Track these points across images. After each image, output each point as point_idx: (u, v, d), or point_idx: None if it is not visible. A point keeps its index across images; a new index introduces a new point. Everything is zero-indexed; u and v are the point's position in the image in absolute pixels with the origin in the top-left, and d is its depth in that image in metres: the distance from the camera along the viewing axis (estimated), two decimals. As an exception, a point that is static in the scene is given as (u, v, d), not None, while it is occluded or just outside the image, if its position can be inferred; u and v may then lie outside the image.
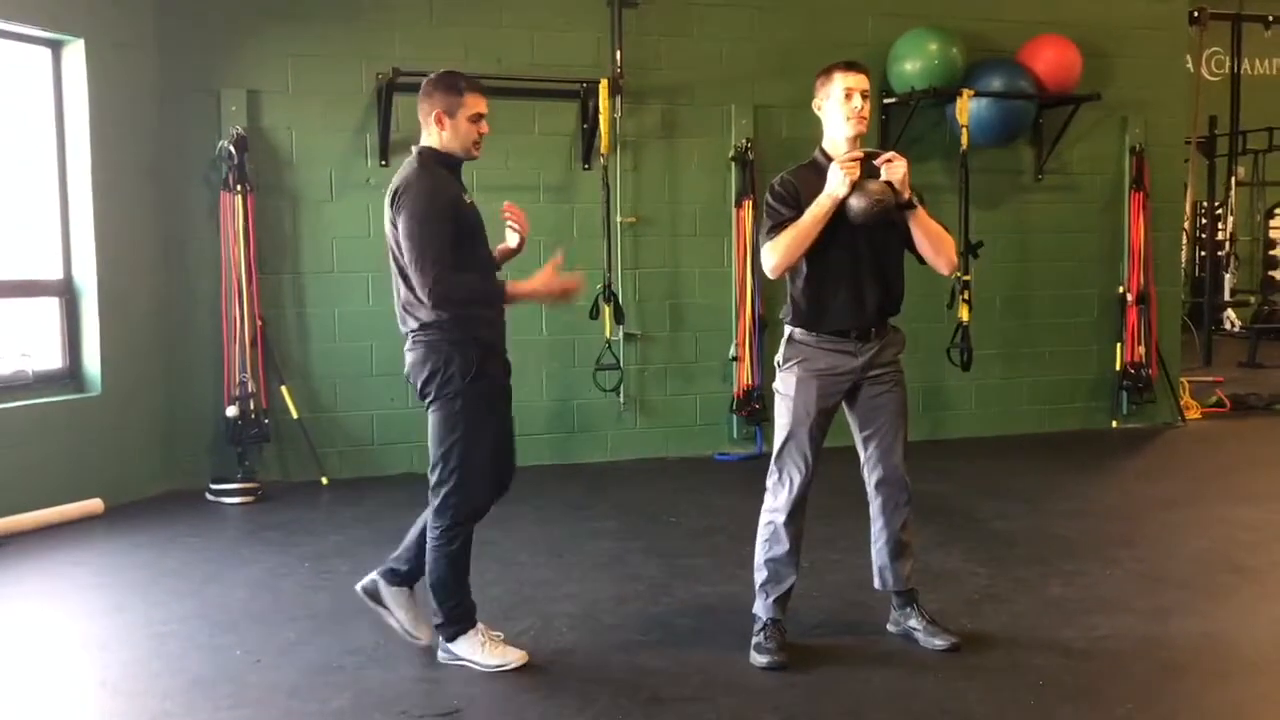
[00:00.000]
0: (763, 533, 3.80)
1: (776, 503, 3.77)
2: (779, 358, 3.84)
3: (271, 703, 3.49)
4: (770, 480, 3.80)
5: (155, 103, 6.32)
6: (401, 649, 3.87)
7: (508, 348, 3.80)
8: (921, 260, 3.80)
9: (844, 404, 3.83)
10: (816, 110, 3.79)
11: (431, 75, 3.70)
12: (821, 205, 3.62)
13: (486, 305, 3.67)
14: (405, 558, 3.85)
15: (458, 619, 3.72)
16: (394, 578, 3.86)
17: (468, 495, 3.65)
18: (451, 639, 3.72)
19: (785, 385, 3.79)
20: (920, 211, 3.71)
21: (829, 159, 3.72)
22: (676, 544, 5.25)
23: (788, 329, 3.82)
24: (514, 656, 3.70)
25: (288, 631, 4.10)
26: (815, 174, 3.71)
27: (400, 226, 3.55)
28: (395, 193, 3.60)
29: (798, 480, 3.74)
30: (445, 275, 3.49)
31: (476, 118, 3.63)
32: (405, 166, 3.66)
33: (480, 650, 3.69)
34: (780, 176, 3.79)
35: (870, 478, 3.84)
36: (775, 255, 3.67)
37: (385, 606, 3.85)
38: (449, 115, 3.61)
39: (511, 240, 3.88)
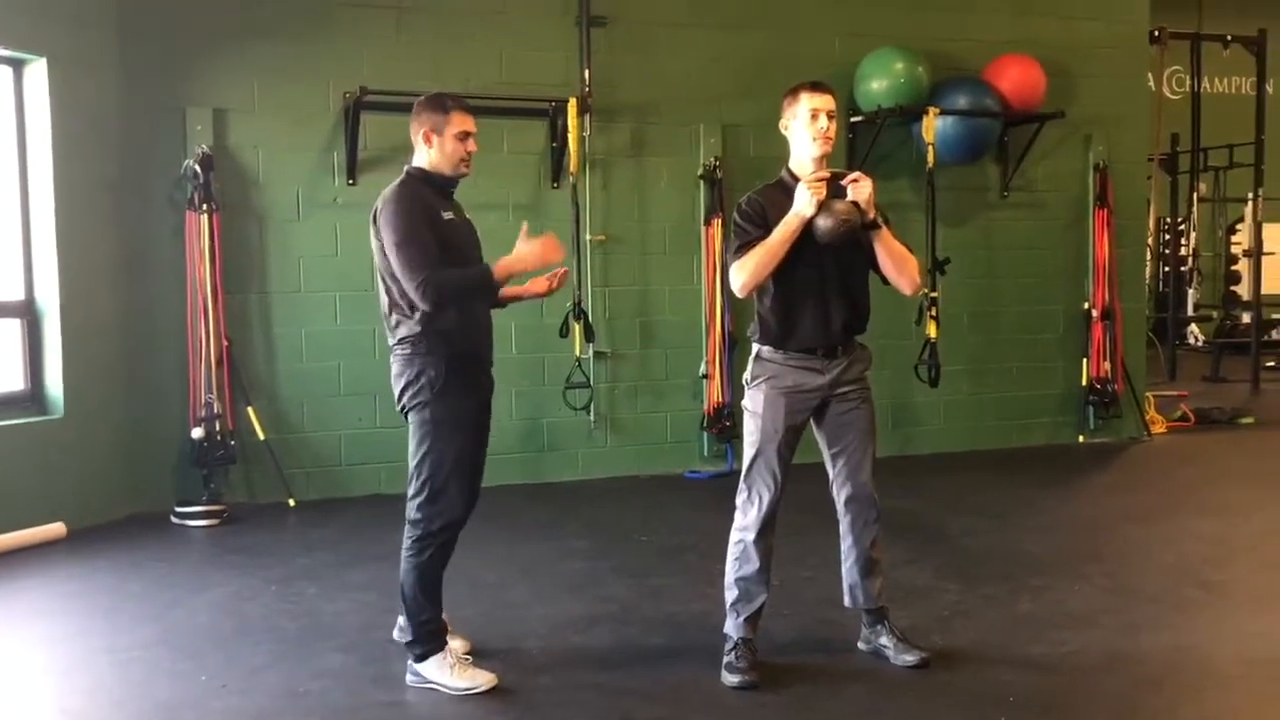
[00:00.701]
0: (733, 551, 3.80)
1: (746, 520, 3.77)
2: (747, 375, 3.85)
3: (237, 729, 3.44)
4: (740, 498, 3.80)
5: (119, 121, 6.26)
6: (369, 674, 3.83)
7: (491, 363, 3.83)
8: (885, 280, 3.83)
9: (812, 421, 3.83)
10: (783, 130, 3.82)
11: (422, 96, 3.80)
12: (789, 224, 3.64)
13: (482, 293, 3.70)
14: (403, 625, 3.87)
15: (426, 638, 3.69)
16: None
17: (438, 507, 3.65)
18: (419, 659, 3.69)
19: (753, 403, 3.80)
20: (885, 232, 3.74)
21: (795, 179, 3.74)
22: (647, 563, 5.23)
23: (755, 347, 3.84)
24: (483, 680, 3.66)
25: (253, 656, 4.04)
26: (782, 193, 3.74)
27: (385, 241, 3.62)
28: (375, 211, 3.69)
29: (767, 498, 3.74)
30: (433, 273, 3.54)
31: (463, 135, 3.69)
32: (389, 186, 3.74)
33: (448, 673, 3.66)
34: (748, 196, 3.81)
35: (839, 495, 3.85)
36: (743, 274, 3.68)
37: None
38: (436, 133, 3.68)
39: (537, 285, 3.94)
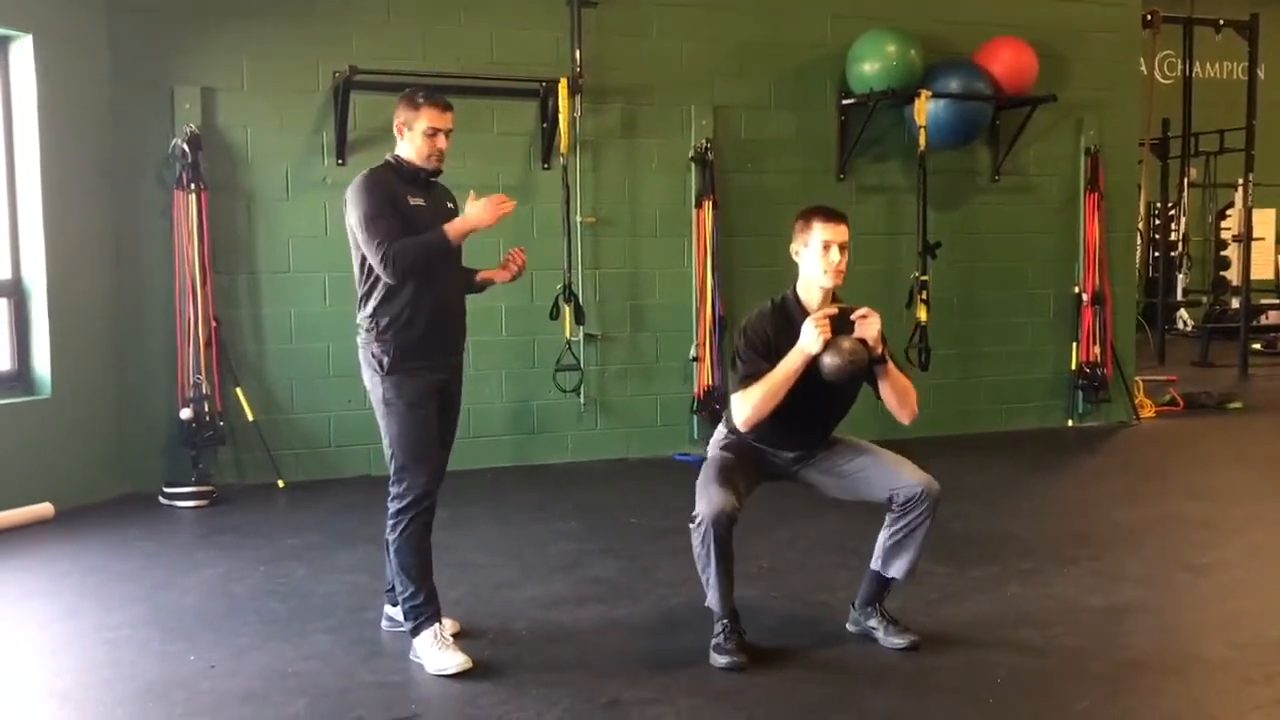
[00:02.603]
0: (696, 535, 3.71)
1: (699, 511, 3.69)
2: (716, 438, 3.89)
3: (225, 709, 3.44)
4: (698, 488, 3.74)
5: (107, 100, 6.22)
6: (357, 655, 3.83)
7: (455, 351, 3.92)
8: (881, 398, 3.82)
9: (806, 485, 3.88)
10: (793, 255, 3.77)
11: (407, 90, 3.91)
12: (793, 361, 3.61)
13: (441, 257, 3.77)
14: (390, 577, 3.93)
15: (415, 614, 3.74)
16: (391, 596, 3.97)
17: (404, 485, 3.76)
18: (414, 634, 3.74)
19: (716, 445, 3.88)
20: (889, 366, 3.71)
21: (802, 305, 3.72)
22: (636, 545, 5.23)
23: (724, 429, 3.86)
24: (452, 663, 3.65)
25: (242, 637, 4.04)
26: (788, 321, 3.71)
27: (351, 221, 3.77)
28: (346, 197, 3.83)
29: (709, 511, 3.63)
30: (393, 244, 3.66)
31: (431, 132, 3.80)
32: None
33: (430, 649, 3.70)
34: (751, 321, 3.77)
35: (899, 497, 3.72)
36: (747, 409, 3.65)
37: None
38: (407, 128, 3.83)
39: (501, 276, 4.05)
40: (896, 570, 3.81)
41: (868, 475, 3.80)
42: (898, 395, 3.76)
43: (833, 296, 3.77)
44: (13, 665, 3.91)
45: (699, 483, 3.76)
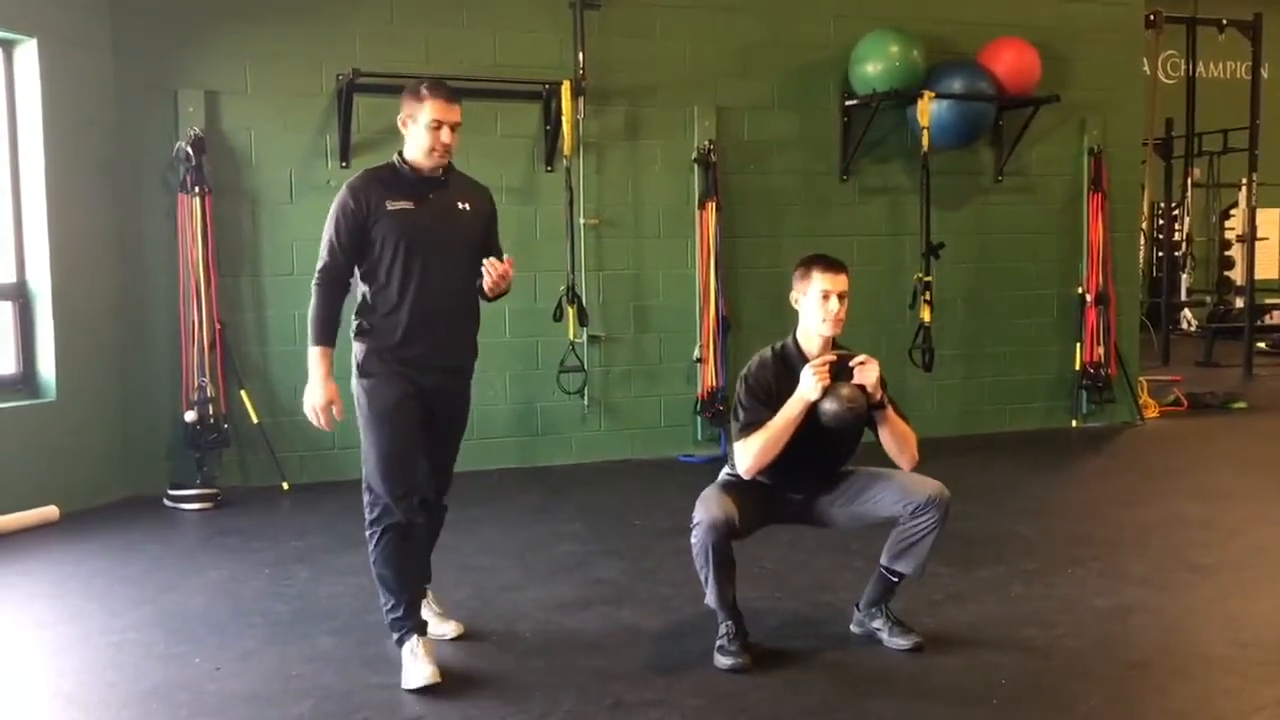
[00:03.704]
0: (694, 537, 3.71)
1: (699, 524, 3.69)
2: (721, 477, 3.89)
3: (230, 711, 3.44)
4: (699, 502, 3.75)
5: (111, 103, 6.23)
6: (361, 657, 3.84)
7: (448, 363, 3.77)
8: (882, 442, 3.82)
9: (817, 522, 3.89)
10: (793, 303, 3.79)
11: (409, 83, 3.77)
12: (793, 408, 3.63)
13: (309, 330, 3.70)
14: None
15: (395, 626, 3.67)
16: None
17: (371, 496, 3.70)
18: (397, 643, 3.68)
19: (724, 474, 3.87)
20: (889, 412, 3.72)
21: (802, 353, 3.74)
22: (640, 546, 5.24)
23: (729, 470, 3.85)
24: (418, 676, 3.55)
25: (246, 639, 4.05)
26: (786, 368, 3.72)
27: None
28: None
29: (710, 523, 3.64)
30: (319, 282, 3.69)
31: (435, 125, 3.62)
32: None
33: (408, 660, 3.61)
34: (752, 369, 3.78)
35: (910, 510, 3.72)
36: (749, 458, 3.66)
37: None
38: (411, 120, 3.67)
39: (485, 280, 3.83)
40: (905, 566, 3.80)
41: (880, 501, 3.79)
42: (897, 441, 3.77)
43: (833, 344, 3.79)
44: (18, 667, 3.92)
45: (703, 495, 3.76)
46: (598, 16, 7.00)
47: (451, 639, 3.95)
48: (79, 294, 6.06)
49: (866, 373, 3.65)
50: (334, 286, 3.70)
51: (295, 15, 6.56)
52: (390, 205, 3.64)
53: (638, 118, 7.19)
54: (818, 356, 3.71)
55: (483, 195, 3.88)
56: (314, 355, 3.68)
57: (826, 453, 3.82)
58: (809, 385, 3.61)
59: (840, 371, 3.66)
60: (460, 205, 3.77)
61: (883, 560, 3.86)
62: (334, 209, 3.68)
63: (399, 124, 3.72)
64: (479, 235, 3.82)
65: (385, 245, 3.64)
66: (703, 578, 3.73)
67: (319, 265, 3.70)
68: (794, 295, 3.79)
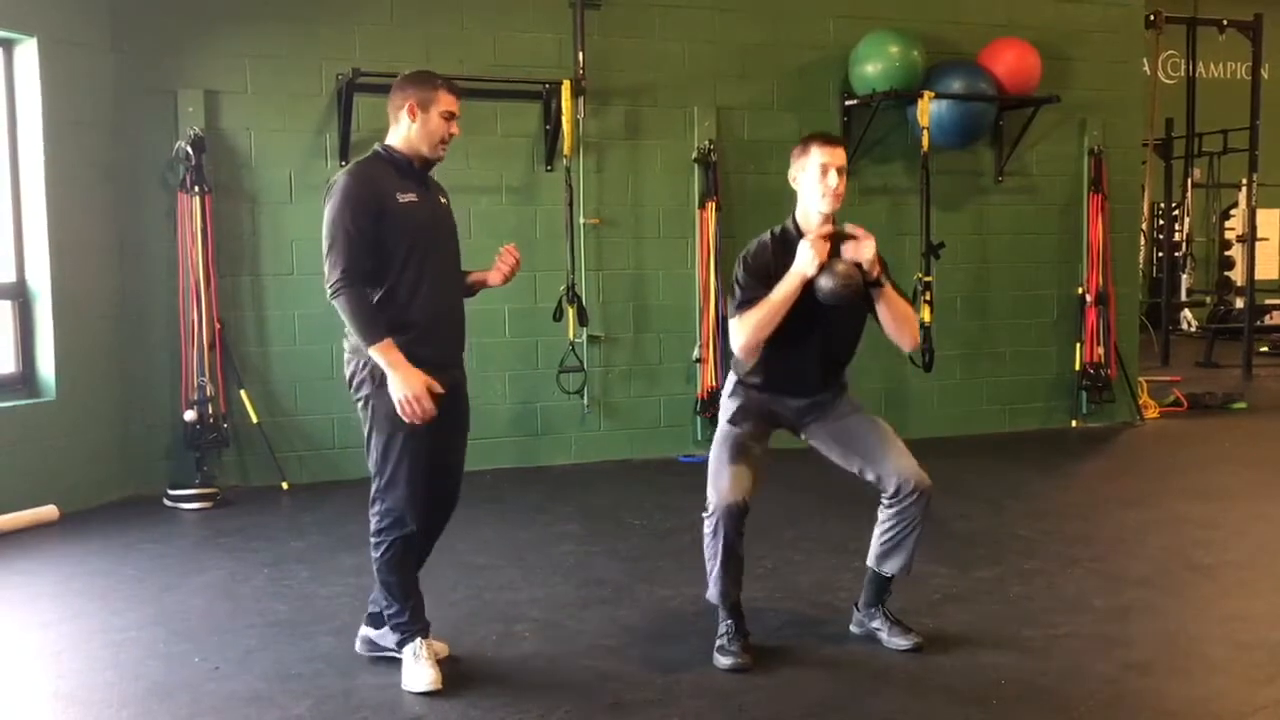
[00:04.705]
0: (708, 524, 3.75)
1: (710, 506, 3.73)
2: (725, 393, 3.88)
3: (230, 711, 3.44)
4: (709, 483, 3.76)
5: (111, 103, 6.23)
6: (360, 656, 3.83)
7: (454, 362, 3.65)
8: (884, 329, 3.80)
9: (812, 442, 3.86)
10: (791, 182, 3.76)
11: (405, 72, 3.66)
12: (790, 283, 3.60)
13: (360, 337, 3.44)
14: (375, 597, 3.77)
15: (400, 629, 3.65)
16: (372, 619, 3.82)
17: (386, 504, 3.55)
18: (399, 645, 3.66)
19: (725, 411, 3.85)
20: (887, 289, 3.69)
21: (800, 232, 3.71)
22: (639, 547, 5.24)
23: (732, 376, 3.85)
24: (422, 680, 3.54)
25: (246, 639, 4.05)
26: (786, 248, 3.69)
27: (324, 219, 3.48)
28: (325, 189, 3.54)
29: (725, 494, 3.67)
30: (345, 284, 3.40)
31: (448, 115, 3.54)
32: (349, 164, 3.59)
33: (408, 662, 3.60)
34: (751, 250, 3.76)
35: (889, 481, 3.72)
36: (745, 333, 3.64)
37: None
38: (421, 109, 3.52)
39: (493, 278, 3.77)
40: (892, 567, 3.81)
41: (868, 445, 3.77)
42: (896, 320, 3.72)
43: (832, 224, 3.74)
44: (18, 667, 3.92)
45: (711, 467, 3.76)
46: (598, 16, 7.00)
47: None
48: (78, 293, 6.06)
49: (861, 248, 3.62)
50: (363, 283, 3.43)
51: (295, 15, 6.56)
52: (401, 197, 3.48)
53: (638, 117, 7.19)
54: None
55: (445, 192, 3.77)
56: (381, 351, 3.40)
57: (826, 344, 3.76)
58: (806, 259, 3.58)
59: (839, 249, 3.64)
60: (441, 199, 3.69)
61: (869, 562, 3.86)
62: (338, 204, 3.42)
63: (404, 112, 3.52)
64: (455, 230, 3.73)
65: (395, 241, 3.45)
66: (709, 569, 3.75)
67: (338, 269, 3.39)
68: (792, 174, 3.75)
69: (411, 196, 3.52)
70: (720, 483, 3.69)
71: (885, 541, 3.79)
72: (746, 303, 3.65)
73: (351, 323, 3.45)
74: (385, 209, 3.45)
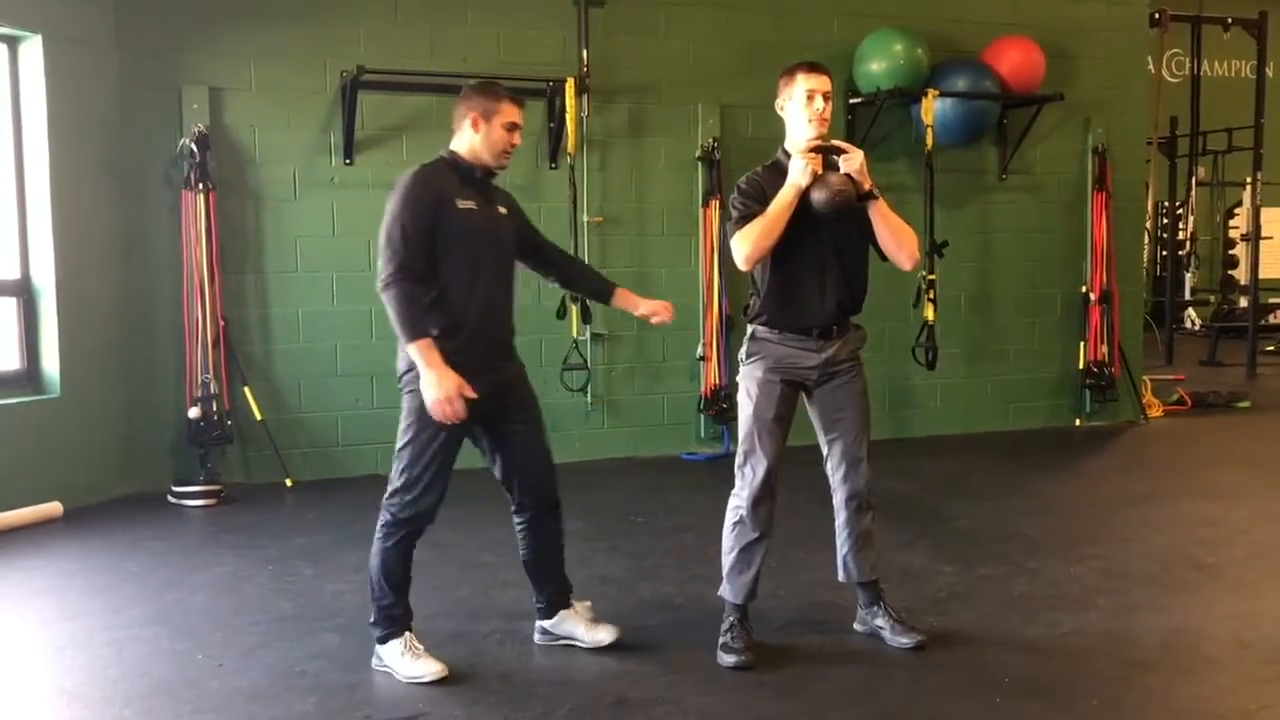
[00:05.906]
0: (730, 518, 3.80)
1: (742, 491, 3.77)
2: (742, 353, 3.88)
3: (233, 708, 3.44)
4: (737, 470, 3.80)
5: (115, 100, 6.23)
6: (365, 653, 3.84)
7: (498, 365, 3.69)
8: (884, 257, 3.82)
9: (805, 399, 3.85)
10: (779, 110, 3.82)
11: (472, 83, 3.77)
12: (785, 195, 3.65)
13: (403, 335, 3.50)
14: (538, 592, 3.92)
15: (385, 621, 3.67)
16: (546, 611, 3.91)
17: (410, 496, 3.60)
18: (381, 641, 3.68)
19: (748, 379, 3.82)
20: (880, 203, 3.73)
21: (790, 158, 3.74)
22: (643, 544, 5.24)
23: (750, 326, 3.85)
24: (428, 671, 3.59)
25: (250, 636, 4.05)
26: (778, 174, 3.74)
27: (385, 218, 3.56)
28: (393, 188, 3.62)
29: (761, 470, 3.73)
30: (395, 280, 3.46)
31: (511, 127, 3.66)
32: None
33: (400, 658, 3.63)
34: (746, 176, 3.83)
35: (835, 473, 3.85)
36: (746, 245, 3.68)
37: (565, 636, 3.89)
38: (484, 120, 3.63)
39: (642, 309, 4.02)
40: (865, 574, 3.89)
41: (842, 427, 3.79)
42: (893, 234, 3.75)
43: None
44: (21, 664, 3.93)
45: (740, 447, 3.77)
46: (602, 14, 6.99)
47: (596, 646, 3.86)
48: (83, 290, 6.07)
49: (850, 161, 3.66)
50: (414, 281, 3.49)
51: (299, 12, 6.56)
52: (460, 203, 3.58)
53: (642, 115, 7.19)
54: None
55: (509, 198, 3.89)
56: (419, 351, 3.46)
57: (832, 266, 3.75)
58: (799, 170, 3.64)
59: (830, 165, 3.69)
60: (500, 210, 3.78)
61: (841, 577, 3.94)
62: (400, 202, 3.51)
63: (467, 122, 3.63)
64: (515, 241, 3.83)
65: (451, 245, 3.54)
66: (725, 564, 3.79)
67: (391, 265, 3.46)
68: (779, 103, 3.80)
69: (470, 204, 3.62)
70: (748, 471, 3.74)
71: (849, 552, 3.89)
72: (744, 218, 3.70)
73: (395, 318, 3.51)
74: (443, 213, 3.54)
